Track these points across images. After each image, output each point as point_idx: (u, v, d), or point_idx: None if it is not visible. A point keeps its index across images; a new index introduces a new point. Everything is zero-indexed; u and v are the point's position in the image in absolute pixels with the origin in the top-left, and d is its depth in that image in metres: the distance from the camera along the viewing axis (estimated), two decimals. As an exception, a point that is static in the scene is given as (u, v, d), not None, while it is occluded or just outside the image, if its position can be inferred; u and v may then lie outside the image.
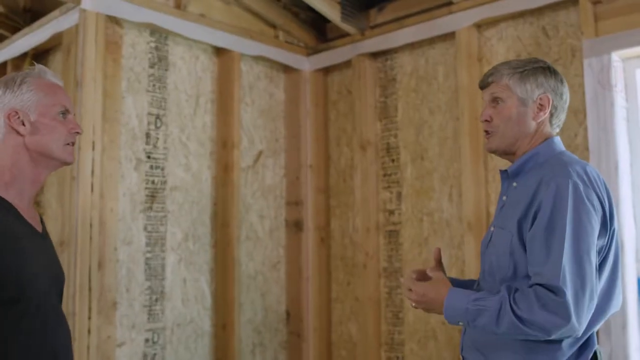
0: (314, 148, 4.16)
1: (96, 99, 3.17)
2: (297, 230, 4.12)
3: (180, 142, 3.61)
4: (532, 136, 1.86)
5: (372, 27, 3.91)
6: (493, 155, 3.29)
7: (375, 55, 3.93)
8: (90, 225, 3.10)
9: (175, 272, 3.52)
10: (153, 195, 3.46)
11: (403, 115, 3.78)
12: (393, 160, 3.82)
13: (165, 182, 3.53)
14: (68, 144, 1.73)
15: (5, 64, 3.83)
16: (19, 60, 3.79)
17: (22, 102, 1.67)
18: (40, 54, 3.81)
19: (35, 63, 1.81)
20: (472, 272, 3.24)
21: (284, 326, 4.04)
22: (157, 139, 3.51)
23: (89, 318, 3.06)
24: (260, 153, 4.02)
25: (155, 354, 3.39)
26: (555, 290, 1.62)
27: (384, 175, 3.85)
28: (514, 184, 1.87)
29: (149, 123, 3.48)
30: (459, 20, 3.44)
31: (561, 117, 1.90)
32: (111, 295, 3.20)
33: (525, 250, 1.74)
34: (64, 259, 3.17)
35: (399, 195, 3.77)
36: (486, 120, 1.90)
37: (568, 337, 1.68)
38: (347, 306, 3.99)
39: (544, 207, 1.69)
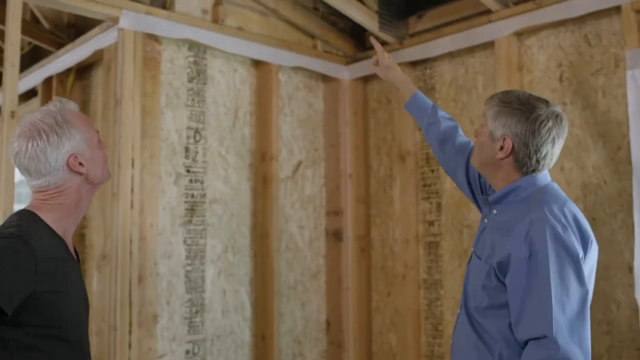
0: (354, 157, 4.14)
1: (135, 117, 3.22)
2: (337, 240, 4.11)
3: (219, 155, 3.65)
4: (498, 170, 1.90)
5: (411, 36, 3.87)
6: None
7: (414, 64, 3.88)
8: (130, 240, 3.16)
9: (215, 284, 3.56)
10: (193, 209, 3.51)
11: (443, 124, 3.72)
12: (432, 171, 3.77)
13: (204, 195, 3.57)
14: (105, 164, 1.78)
15: (50, 78, 3.93)
16: (64, 75, 3.89)
17: (76, 143, 1.67)
18: (84, 69, 3.91)
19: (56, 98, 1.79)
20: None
21: (324, 336, 4.04)
22: (197, 152, 3.55)
23: (130, 332, 3.12)
24: (299, 163, 4.02)
25: (195, 366, 3.44)
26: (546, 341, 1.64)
27: (424, 185, 3.81)
28: (494, 211, 1.92)
29: (188, 137, 3.52)
30: (498, 29, 3.37)
31: (532, 164, 1.86)
32: (152, 309, 3.26)
33: (498, 285, 1.78)
34: (105, 273, 3.25)
35: (439, 206, 3.73)
36: (475, 135, 2.00)
37: None
38: (387, 317, 3.97)
39: (522, 256, 1.72)
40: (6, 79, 2.84)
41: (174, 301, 3.38)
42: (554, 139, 1.85)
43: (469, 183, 2.21)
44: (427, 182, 3.78)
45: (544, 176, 1.90)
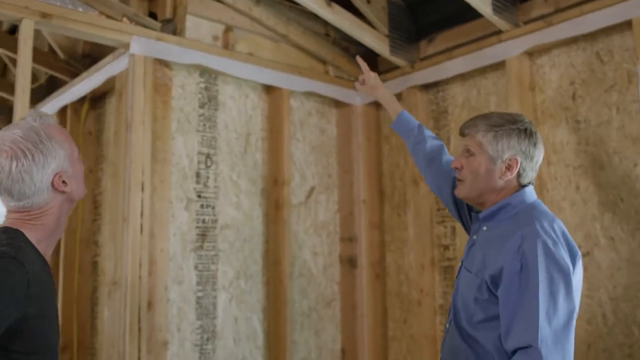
0: (367, 183, 4.10)
1: (145, 141, 3.22)
2: (351, 267, 4.05)
3: (230, 181, 3.63)
4: (499, 192, 1.95)
5: (422, 59, 3.85)
6: (548, 186, 3.17)
7: (426, 87, 3.86)
8: (140, 265, 3.13)
9: (226, 311, 3.51)
10: (204, 234, 3.48)
11: (456, 147, 3.68)
12: (447, 194, 3.71)
13: (216, 221, 3.54)
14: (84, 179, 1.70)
15: (65, 108, 3.97)
16: (78, 104, 3.93)
17: (59, 161, 1.58)
18: (97, 98, 3.95)
19: (42, 113, 1.66)
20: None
21: (340, 365, 3.96)
22: (208, 178, 3.54)
23: (139, 358, 3.08)
24: (312, 189, 3.99)
25: (206, 394, 3.38)
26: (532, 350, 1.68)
27: (438, 209, 3.75)
28: (484, 227, 1.97)
29: (199, 162, 3.52)
30: (509, 49, 3.35)
31: (530, 175, 1.97)
32: (162, 335, 3.21)
33: (490, 298, 1.81)
34: (115, 299, 3.22)
35: (454, 229, 3.66)
36: (457, 168, 2.01)
37: None
38: (403, 345, 3.87)
39: (514, 269, 1.76)
40: (17, 104, 2.87)
41: (185, 328, 3.34)
42: (541, 146, 1.99)
43: (454, 201, 2.24)
44: (442, 205, 3.72)
45: (531, 192, 1.97)
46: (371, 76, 2.61)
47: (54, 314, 1.60)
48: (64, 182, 1.60)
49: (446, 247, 3.69)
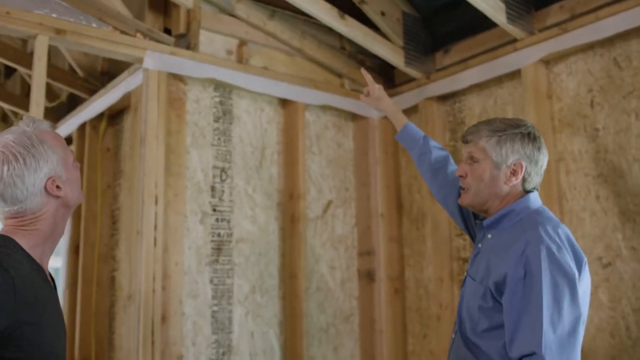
0: (385, 196, 4.05)
1: (159, 155, 3.23)
2: (369, 281, 4.00)
3: (246, 194, 3.62)
4: (503, 197, 1.91)
5: (438, 70, 3.82)
6: (567, 196, 3.10)
7: (442, 98, 3.82)
8: (153, 278, 3.13)
9: (242, 325, 3.48)
10: (219, 248, 3.47)
11: (473, 158, 3.62)
12: (465, 206, 3.65)
13: (231, 235, 3.53)
14: (80, 185, 1.69)
15: (84, 125, 4.01)
16: (96, 121, 3.97)
17: (52, 165, 1.58)
18: (115, 114, 3.98)
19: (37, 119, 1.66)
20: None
21: (358, 381, 3.89)
22: (223, 191, 3.54)
23: (152, 372, 3.06)
24: (329, 203, 3.96)
25: (221, 410, 3.34)
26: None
27: (456, 221, 3.68)
28: (489, 235, 1.94)
29: (214, 176, 3.52)
30: (524, 57, 3.30)
31: (535, 180, 1.93)
32: (176, 349, 3.19)
33: (495, 306, 1.78)
34: (130, 313, 3.22)
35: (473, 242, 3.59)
36: (461, 176, 1.97)
37: None
38: (423, 360, 3.80)
39: (517, 275, 1.72)
40: (31, 118, 2.89)
41: (200, 342, 3.32)
42: (545, 151, 1.96)
43: (460, 211, 2.20)
44: (460, 217, 3.66)
45: (536, 198, 1.93)
46: (376, 88, 2.60)
47: (54, 322, 1.57)
48: (57, 186, 1.59)
49: (465, 260, 3.62)
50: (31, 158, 1.54)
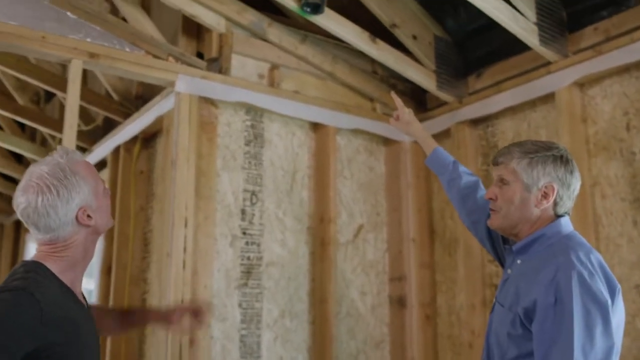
0: (417, 221, 4.01)
1: (189, 178, 3.25)
2: (401, 307, 3.94)
3: (276, 218, 3.61)
4: (534, 222, 1.86)
5: (471, 94, 3.79)
6: (603, 222, 3.02)
7: (475, 122, 3.78)
8: (182, 301, 3.13)
9: (271, 350, 3.45)
10: (249, 272, 3.46)
11: (506, 183, 3.56)
12: (498, 231, 3.59)
13: (261, 258, 3.52)
14: (109, 212, 1.75)
15: (118, 148, 4.07)
16: (130, 144, 4.02)
17: (83, 195, 1.63)
18: (149, 138, 4.03)
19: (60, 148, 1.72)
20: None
21: (389, 410, 3.81)
22: (253, 215, 3.54)
23: (180, 395, 3.05)
24: (360, 227, 3.93)
25: None
26: None
27: (489, 247, 3.62)
28: (518, 261, 1.88)
29: (244, 199, 3.52)
30: (558, 80, 3.25)
31: (567, 204, 1.88)
32: (204, 373, 3.18)
33: (524, 333, 1.73)
34: (159, 335, 3.22)
35: (506, 268, 3.51)
36: (491, 199, 1.92)
37: None
38: (455, 389, 3.71)
39: (548, 302, 1.66)
40: (65, 140, 2.95)
41: (228, 366, 3.30)
42: (577, 175, 1.90)
43: (490, 236, 2.14)
44: (493, 243, 3.59)
45: (567, 223, 1.88)
46: (405, 112, 2.55)
47: (86, 341, 1.62)
48: (88, 216, 1.65)
49: (497, 287, 3.54)
50: (64, 189, 1.60)
